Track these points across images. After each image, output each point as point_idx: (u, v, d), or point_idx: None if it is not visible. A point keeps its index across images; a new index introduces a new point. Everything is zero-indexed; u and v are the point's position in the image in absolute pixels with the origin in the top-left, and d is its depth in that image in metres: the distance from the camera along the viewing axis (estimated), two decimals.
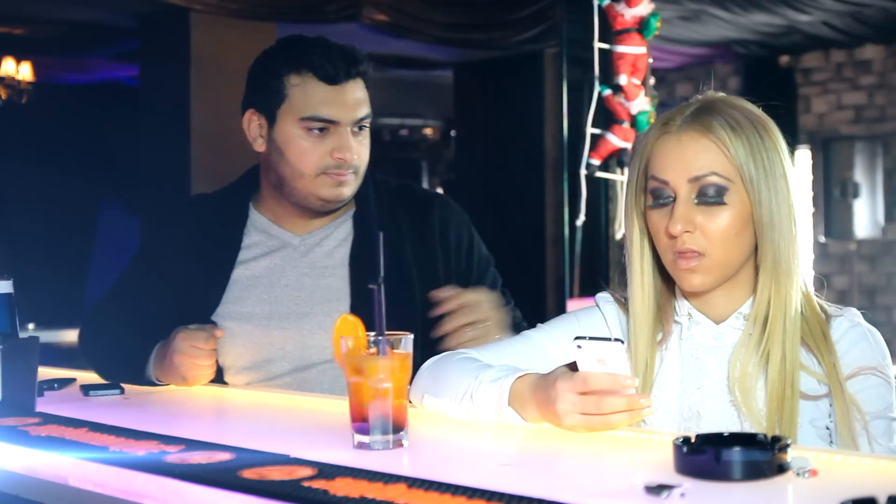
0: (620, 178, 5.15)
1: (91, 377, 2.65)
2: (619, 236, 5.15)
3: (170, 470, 1.55)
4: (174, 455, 1.65)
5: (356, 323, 1.83)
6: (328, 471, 1.51)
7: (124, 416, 2.14)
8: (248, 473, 1.50)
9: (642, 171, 2.01)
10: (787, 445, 1.45)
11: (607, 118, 5.11)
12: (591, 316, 2.15)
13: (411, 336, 1.80)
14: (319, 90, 2.57)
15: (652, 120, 5.06)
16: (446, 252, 2.70)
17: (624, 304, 2.10)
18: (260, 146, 2.65)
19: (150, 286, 2.68)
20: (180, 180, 7.44)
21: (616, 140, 5.09)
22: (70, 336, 6.75)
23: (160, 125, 7.74)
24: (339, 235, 2.69)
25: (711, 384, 1.99)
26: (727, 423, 1.95)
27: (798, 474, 1.44)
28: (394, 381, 1.74)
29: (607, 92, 5.08)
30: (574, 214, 5.13)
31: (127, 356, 2.58)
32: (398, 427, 1.73)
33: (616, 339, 1.72)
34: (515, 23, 7.02)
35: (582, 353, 1.74)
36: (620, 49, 5.05)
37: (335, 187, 2.59)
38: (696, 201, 1.93)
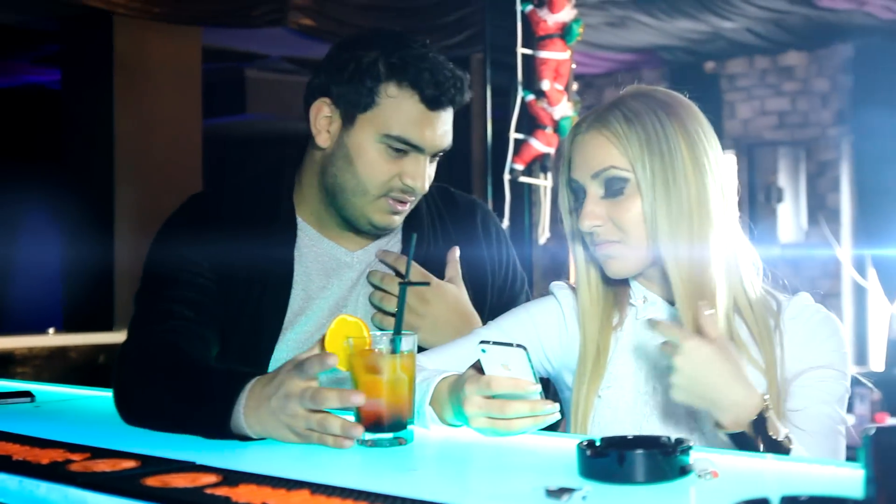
0: (544, 182, 5.17)
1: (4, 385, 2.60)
2: (542, 241, 5.17)
3: (72, 478, 1.53)
4: (79, 463, 1.63)
5: (358, 323, 1.91)
6: (233, 477, 1.50)
7: (33, 424, 2.11)
8: (152, 481, 1.49)
9: (566, 174, 2.07)
10: (690, 448, 1.47)
11: (531, 123, 5.13)
12: (546, 305, 2.19)
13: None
14: (415, 111, 2.26)
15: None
16: (491, 258, 2.50)
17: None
18: (324, 141, 2.31)
19: (198, 305, 2.27)
20: (104, 185, 7.37)
21: (539, 145, 5.10)
22: None
23: (83, 129, 7.66)
24: (392, 248, 2.43)
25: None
26: None
27: (700, 476, 1.45)
28: (409, 377, 1.82)
29: (530, 97, 5.09)
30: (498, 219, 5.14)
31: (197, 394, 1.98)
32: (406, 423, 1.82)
33: (518, 345, 1.73)
34: (441, 28, 7.02)
35: (487, 356, 1.76)
36: (543, 55, 5.06)
37: (389, 214, 2.31)
38: (604, 196, 1.99)
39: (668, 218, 1.96)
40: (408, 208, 2.34)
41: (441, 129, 2.29)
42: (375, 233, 2.37)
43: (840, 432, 1.94)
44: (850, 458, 1.69)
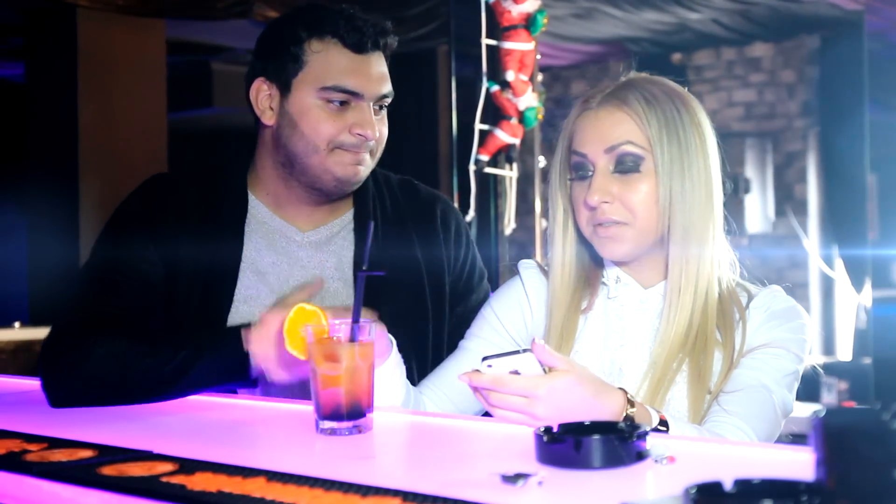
0: (509, 173, 5.17)
1: None
2: (508, 231, 5.17)
3: (28, 467, 1.53)
4: (35, 453, 1.63)
5: (317, 311, 1.91)
6: (189, 465, 1.49)
7: None
8: (108, 470, 1.48)
9: (566, 148, 2.07)
10: (646, 433, 1.47)
11: (496, 114, 5.12)
12: (507, 294, 2.20)
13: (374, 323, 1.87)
14: (343, 58, 2.33)
15: (539, 116, 5.09)
16: (448, 251, 2.54)
17: (547, 270, 2.15)
18: (269, 119, 2.39)
19: (139, 298, 2.33)
20: (69, 178, 7.33)
21: (504, 136, 5.10)
22: None
23: (48, 123, 7.61)
24: (344, 235, 2.48)
25: (635, 343, 2.05)
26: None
27: (656, 461, 1.45)
28: (368, 365, 1.81)
29: (495, 88, 5.09)
30: (463, 210, 5.14)
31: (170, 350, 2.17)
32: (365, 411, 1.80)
33: (525, 350, 1.72)
34: (408, 20, 7.01)
35: (494, 370, 1.72)
36: (507, 45, 5.06)
37: (351, 165, 2.34)
38: (613, 172, 1.99)
39: (683, 205, 1.97)
40: (370, 160, 2.38)
41: (374, 72, 2.36)
42: (342, 190, 2.41)
43: (772, 417, 1.93)
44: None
